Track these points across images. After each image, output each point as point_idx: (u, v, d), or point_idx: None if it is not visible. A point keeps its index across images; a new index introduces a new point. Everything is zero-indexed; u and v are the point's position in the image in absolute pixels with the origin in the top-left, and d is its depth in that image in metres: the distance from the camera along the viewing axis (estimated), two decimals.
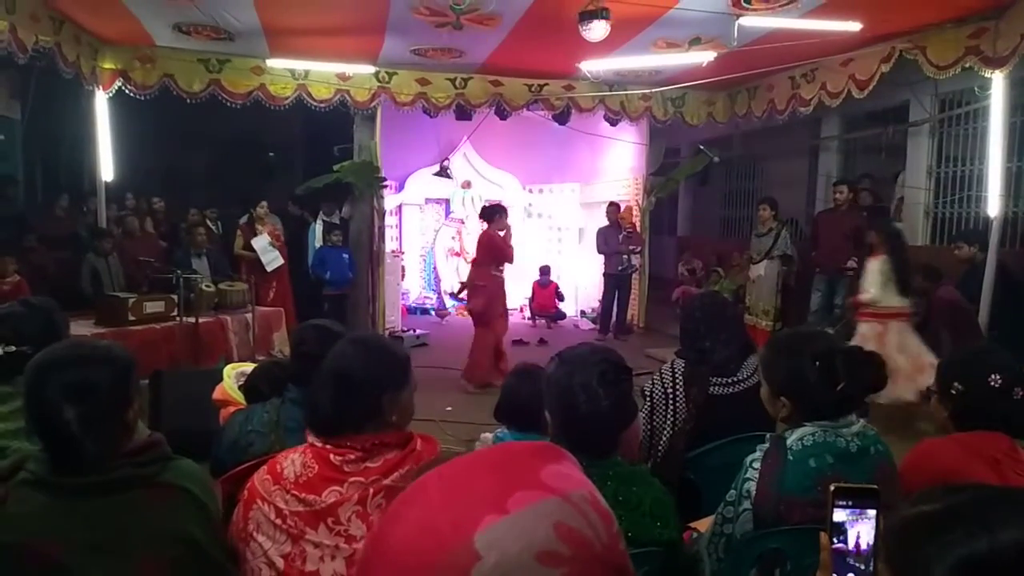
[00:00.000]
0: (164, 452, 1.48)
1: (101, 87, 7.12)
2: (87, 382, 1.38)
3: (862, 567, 0.98)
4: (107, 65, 7.09)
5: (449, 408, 5.67)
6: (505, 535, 0.57)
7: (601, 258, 9.26)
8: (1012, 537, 0.67)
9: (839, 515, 1.00)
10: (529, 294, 10.27)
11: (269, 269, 7.85)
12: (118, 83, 7.17)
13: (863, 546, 0.99)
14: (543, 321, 10.00)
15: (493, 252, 6.53)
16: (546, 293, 10.13)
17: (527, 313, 10.34)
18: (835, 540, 1.00)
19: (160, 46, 7.09)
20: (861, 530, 1.00)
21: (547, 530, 0.58)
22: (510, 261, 6.66)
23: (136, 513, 1.38)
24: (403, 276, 10.12)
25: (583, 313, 10.40)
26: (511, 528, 0.57)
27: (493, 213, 6.66)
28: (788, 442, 1.64)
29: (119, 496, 1.38)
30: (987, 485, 0.79)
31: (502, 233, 6.58)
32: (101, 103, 7.31)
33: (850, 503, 1.00)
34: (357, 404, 1.55)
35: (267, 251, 7.95)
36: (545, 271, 10.16)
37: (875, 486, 1.01)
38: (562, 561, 0.57)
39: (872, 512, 0.99)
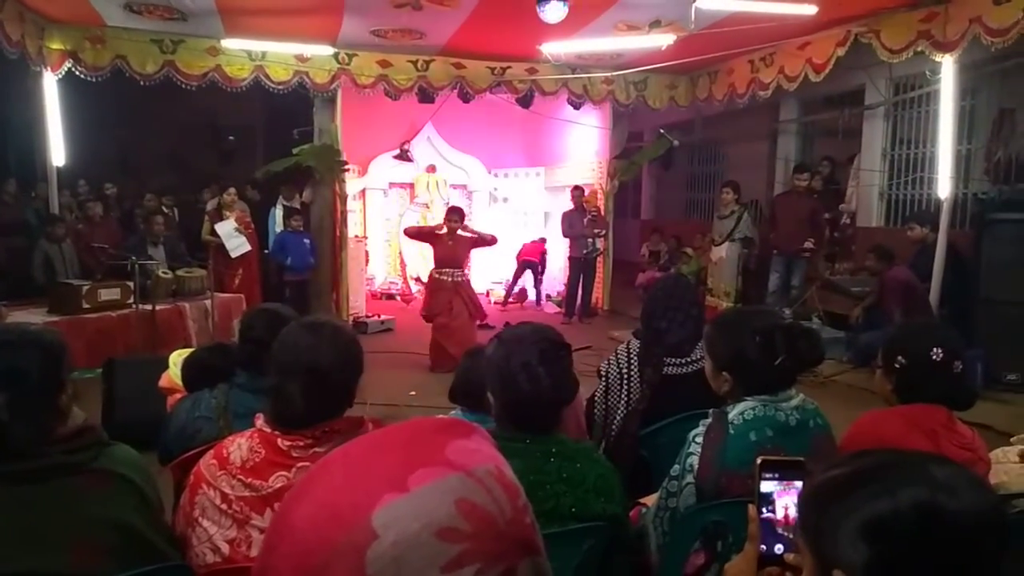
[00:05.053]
0: (99, 438, 1.44)
1: (49, 68, 6.89)
2: (15, 367, 1.35)
3: (790, 536, 1.00)
4: (55, 45, 6.86)
5: (413, 392, 5.66)
6: (404, 513, 0.56)
7: (566, 242, 9.29)
8: (912, 497, 0.69)
9: (766, 486, 1.03)
10: (505, 276, 10.37)
11: (233, 256, 7.68)
12: (68, 64, 6.96)
13: (791, 516, 1.01)
14: (513, 303, 10.07)
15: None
16: (534, 247, 10.24)
17: (493, 298, 10.37)
18: (763, 511, 1.03)
19: (111, 26, 6.88)
20: (789, 501, 1.02)
21: (448, 507, 0.57)
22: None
23: (69, 500, 1.35)
24: (367, 261, 10.04)
25: (548, 297, 10.43)
26: (411, 506, 0.56)
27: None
28: (729, 416, 1.66)
29: (51, 483, 1.35)
30: (893, 449, 0.81)
31: (441, 233, 6.55)
32: (50, 85, 7.08)
33: (776, 475, 1.02)
34: (331, 396, 1.53)
35: (232, 237, 7.73)
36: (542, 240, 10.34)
37: (801, 458, 1.03)
38: (463, 537, 0.57)
39: (799, 483, 1.01)
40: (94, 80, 7.13)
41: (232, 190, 8.10)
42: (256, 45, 7.34)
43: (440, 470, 0.59)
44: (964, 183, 6.89)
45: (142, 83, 7.28)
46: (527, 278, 10.31)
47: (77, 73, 7.04)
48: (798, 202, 7.31)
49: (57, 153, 7.30)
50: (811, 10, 5.70)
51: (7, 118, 10.07)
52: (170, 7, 6.25)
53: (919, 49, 5.77)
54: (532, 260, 10.16)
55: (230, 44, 7.25)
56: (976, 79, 6.71)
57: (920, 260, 6.06)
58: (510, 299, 10.21)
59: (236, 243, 7.76)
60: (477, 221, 9.93)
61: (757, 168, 10.13)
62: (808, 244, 7.20)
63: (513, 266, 10.36)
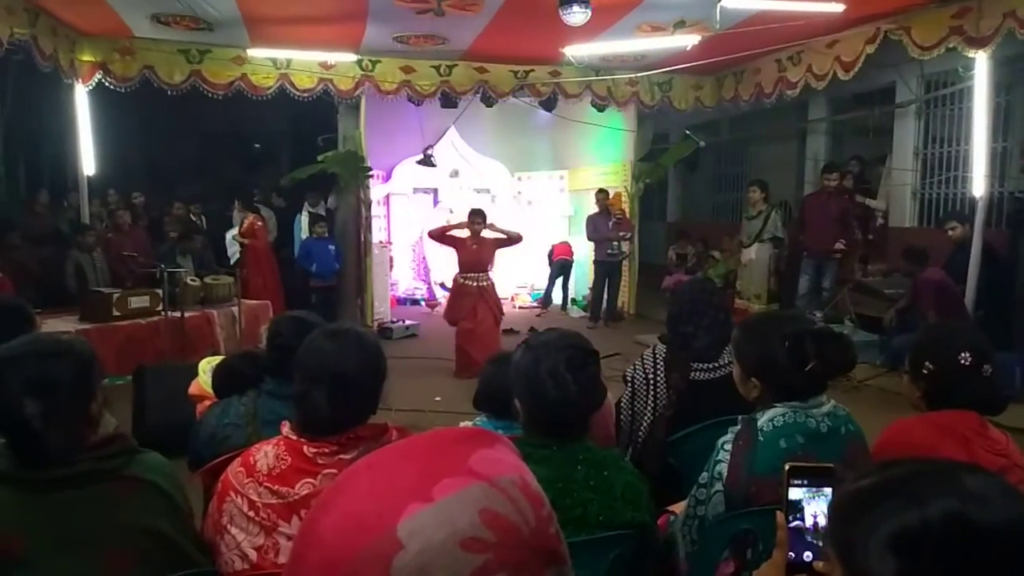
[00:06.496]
0: (129, 445, 1.47)
1: (80, 80, 7.04)
2: (48, 377, 1.37)
3: (819, 543, 0.98)
4: (85, 57, 7.01)
5: (438, 398, 5.66)
6: (429, 523, 0.57)
7: (591, 245, 9.25)
8: (942, 508, 0.67)
9: (795, 493, 1.01)
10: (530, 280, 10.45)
11: (232, 261, 8.06)
12: (98, 76, 7.11)
13: (820, 523, 0.99)
14: (538, 307, 10.08)
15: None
16: (564, 247, 10.28)
17: (517, 303, 10.37)
18: (791, 518, 1.00)
19: (139, 37, 7.02)
20: (818, 508, 1.00)
21: (472, 517, 0.57)
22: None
23: (101, 507, 1.37)
24: (392, 266, 10.10)
25: (573, 301, 10.41)
26: (435, 516, 0.57)
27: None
28: (759, 423, 1.63)
29: (84, 490, 1.37)
30: (922, 458, 0.78)
31: (462, 234, 6.50)
32: (81, 96, 7.24)
33: (805, 482, 1.00)
34: (356, 402, 1.54)
35: (232, 244, 8.37)
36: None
37: (830, 464, 1.01)
38: (487, 547, 0.57)
39: (828, 490, 0.99)
40: (123, 91, 7.28)
41: (236, 204, 8.69)
42: (281, 54, 7.43)
43: (463, 480, 0.60)
44: (999, 181, 6.74)
45: (169, 93, 7.40)
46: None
47: (107, 84, 7.19)
48: (828, 202, 7.18)
49: (88, 163, 7.45)
50: (839, 8, 5.61)
51: (40, 130, 10.33)
52: (196, 17, 6.35)
53: (951, 45, 5.65)
54: (567, 259, 10.14)
55: (255, 53, 7.35)
56: (1010, 75, 6.57)
57: (955, 261, 5.93)
58: (548, 304, 10.19)
59: (234, 250, 8.39)
60: (501, 222, 9.96)
61: (786, 168, 10.02)
62: (839, 245, 7.07)
63: (537, 269, 10.34)
